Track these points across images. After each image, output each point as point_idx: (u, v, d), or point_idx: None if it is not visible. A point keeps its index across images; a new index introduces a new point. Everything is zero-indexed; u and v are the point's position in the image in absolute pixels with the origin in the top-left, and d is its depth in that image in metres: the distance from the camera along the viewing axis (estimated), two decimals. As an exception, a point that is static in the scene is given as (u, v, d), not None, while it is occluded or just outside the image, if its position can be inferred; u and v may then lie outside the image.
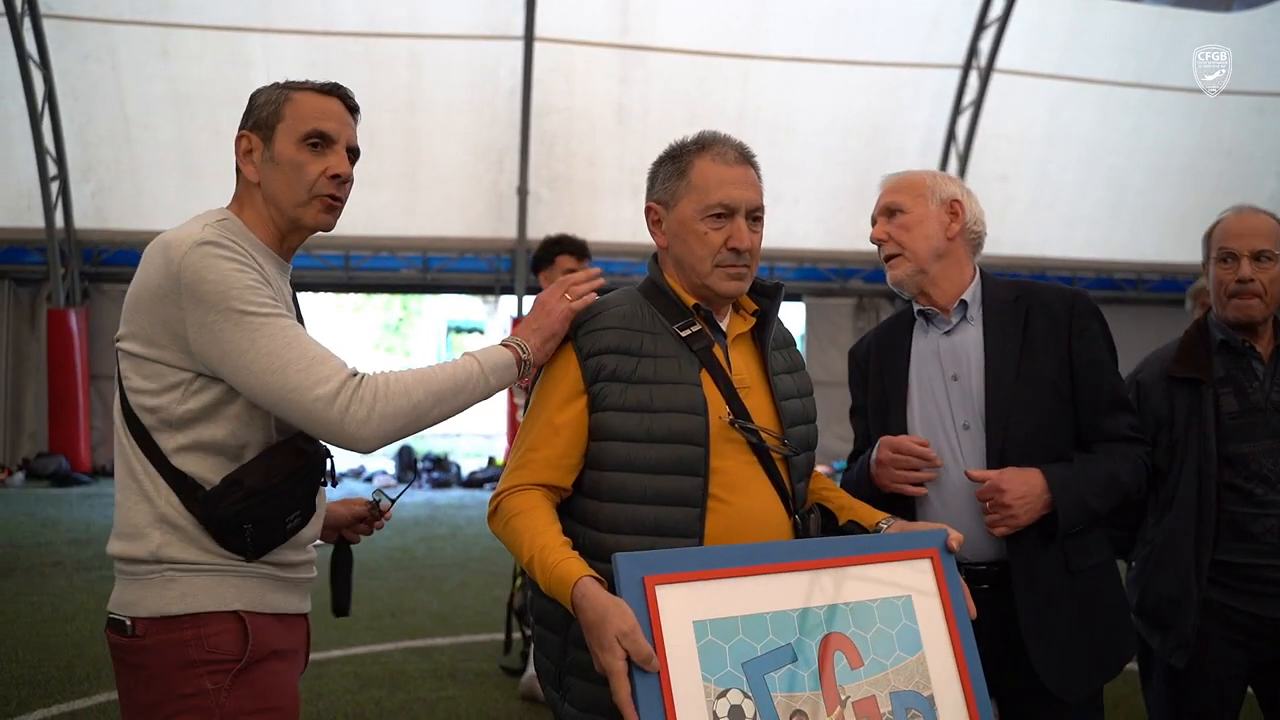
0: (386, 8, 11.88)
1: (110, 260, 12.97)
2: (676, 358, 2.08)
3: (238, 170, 2.10)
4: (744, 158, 2.15)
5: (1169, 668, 2.75)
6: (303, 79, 2.13)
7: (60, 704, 4.79)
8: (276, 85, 2.10)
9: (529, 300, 13.51)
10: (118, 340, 1.99)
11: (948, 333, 2.55)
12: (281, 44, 11.75)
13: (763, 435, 2.09)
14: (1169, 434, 2.74)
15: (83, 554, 8.23)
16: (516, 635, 5.47)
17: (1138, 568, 2.88)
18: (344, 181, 2.08)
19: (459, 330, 32.16)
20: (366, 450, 1.92)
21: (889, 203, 2.60)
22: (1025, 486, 2.31)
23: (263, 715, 1.98)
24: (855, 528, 2.16)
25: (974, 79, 13.11)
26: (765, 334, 2.22)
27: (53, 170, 12.08)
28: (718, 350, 2.13)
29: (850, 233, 13.77)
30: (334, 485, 2.19)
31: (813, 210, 13.43)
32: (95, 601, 6.64)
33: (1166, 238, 14.42)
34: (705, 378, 2.08)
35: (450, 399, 1.96)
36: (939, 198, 2.58)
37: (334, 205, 2.09)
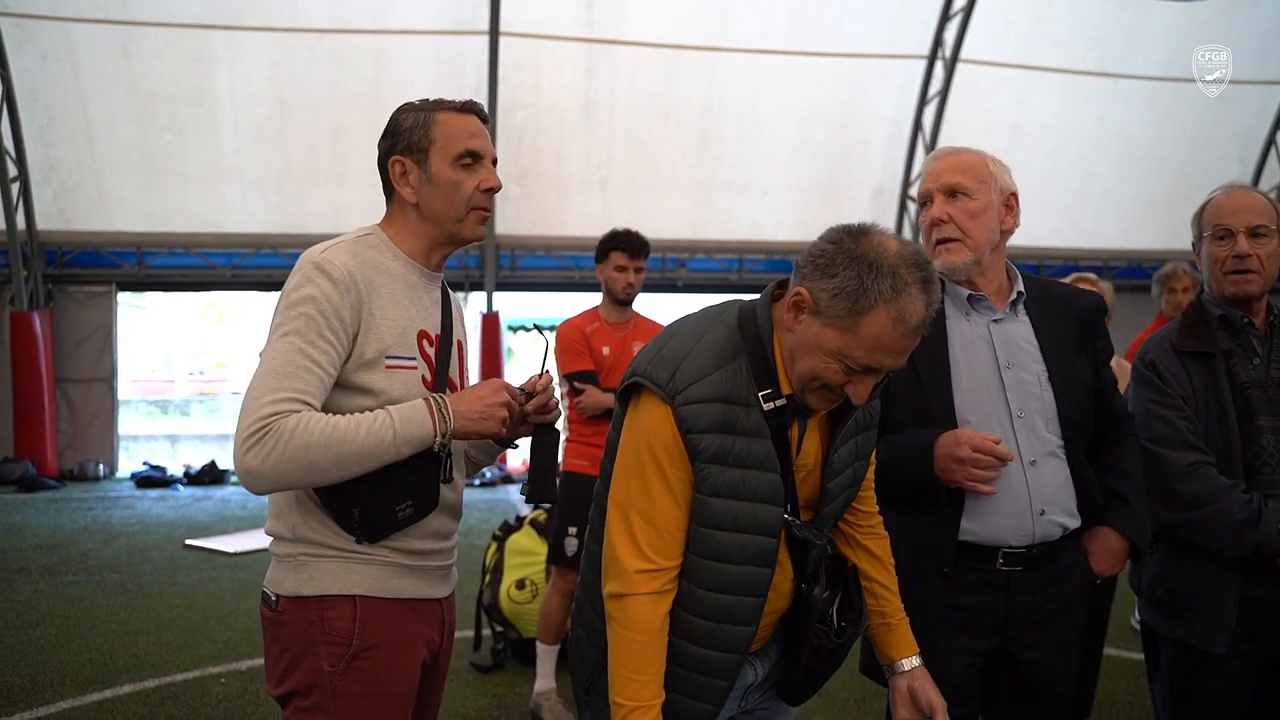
0: (350, 3, 11.79)
1: (74, 262, 12.82)
2: (764, 438, 1.95)
3: (388, 191, 2.27)
4: (924, 325, 1.88)
5: (1186, 657, 2.66)
6: (437, 98, 2.28)
7: (23, 711, 4.72)
8: (416, 108, 2.25)
9: (499, 296, 13.47)
10: None
11: (997, 321, 2.56)
12: (245, 41, 11.65)
13: (805, 534, 2.03)
14: (1192, 409, 2.66)
15: (48, 560, 8.13)
16: (486, 632, 5.46)
17: (1149, 551, 2.75)
18: (493, 193, 2.28)
19: (430, 328, 32.08)
20: (256, 493, 2.01)
21: (953, 183, 2.53)
22: (1119, 559, 2.60)
23: (373, 700, 2.13)
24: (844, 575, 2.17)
25: (939, 69, 13.16)
26: (845, 415, 2.07)
27: (13, 171, 11.92)
28: (794, 431, 2.01)
29: (819, 224, 13.42)
30: (447, 481, 2.20)
31: (781, 202, 13.47)
32: (60, 607, 6.57)
33: (1131, 225, 14.56)
34: (777, 462, 1.99)
35: (352, 465, 2.01)
36: (999, 188, 2.58)
37: (486, 216, 2.29)
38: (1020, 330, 2.56)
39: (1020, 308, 2.59)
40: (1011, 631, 2.49)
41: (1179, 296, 5.57)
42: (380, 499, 2.09)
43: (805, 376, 1.92)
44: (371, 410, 2.08)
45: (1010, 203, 2.60)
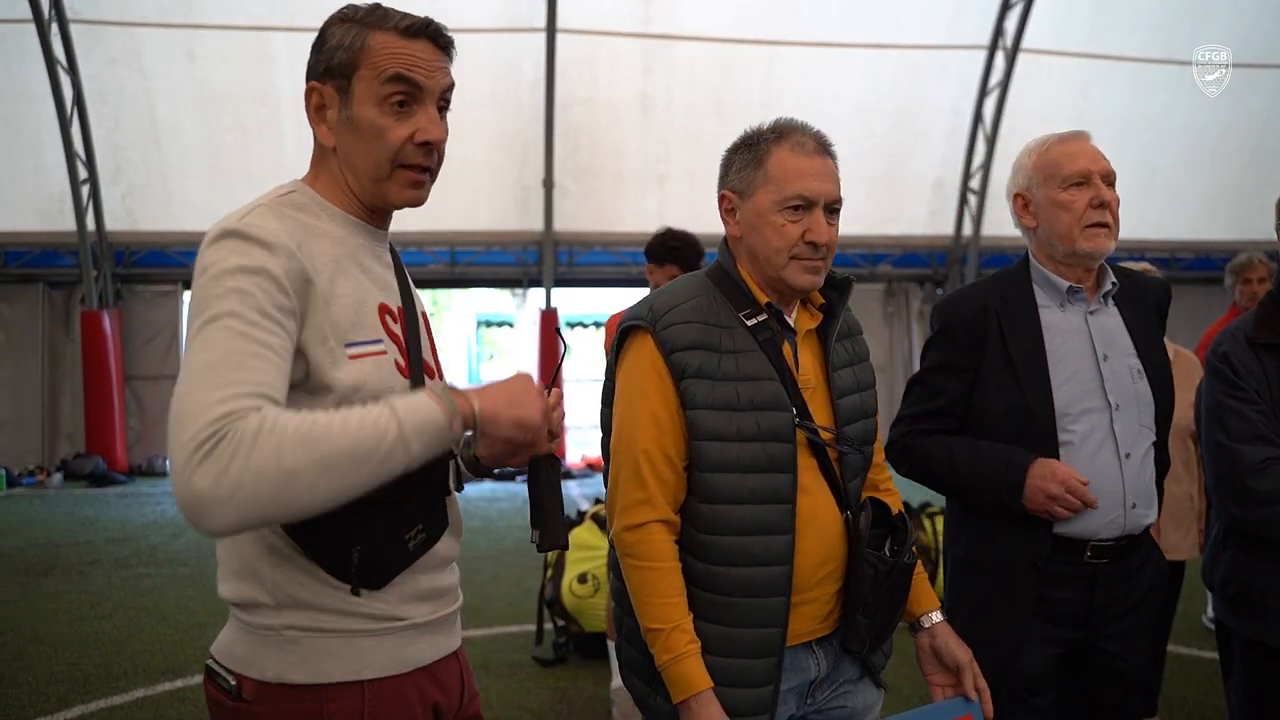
0: (408, 3, 11.83)
1: (141, 261, 13.10)
2: (755, 352, 2.04)
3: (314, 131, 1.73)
4: (822, 148, 2.07)
5: (1261, 656, 2.57)
6: (387, 6, 1.71)
7: (99, 700, 4.84)
8: (351, 20, 1.68)
9: (556, 293, 13.52)
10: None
11: (1093, 313, 2.55)
12: (305, 42, 11.43)
13: (823, 435, 2.06)
14: (1266, 402, 2.56)
15: (120, 552, 8.32)
16: (548, 626, 5.49)
17: (1222, 547, 2.67)
18: (434, 149, 1.68)
19: (488, 324, 32.21)
20: (212, 532, 1.37)
21: (1110, 170, 2.54)
22: None
23: None
24: (900, 520, 2.17)
25: (1000, 59, 12.99)
26: (830, 330, 2.16)
27: (83, 174, 12.20)
28: (786, 349, 2.09)
29: (878, 217, 13.69)
30: (459, 490, 1.82)
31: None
32: (133, 599, 6.73)
33: (1199, 215, 14.27)
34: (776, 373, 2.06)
35: (345, 472, 1.40)
36: None
37: (419, 180, 1.69)
38: (1114, 322, 2.56)
39: (1110, 300, 2.58)
40: (1094, 623, 2.49)
41: (1254, 287, 5.42)
42: (386, 529, 1.59)
43: (775, 250, 2.04)
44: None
45: None
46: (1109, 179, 2.52)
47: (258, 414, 1.37)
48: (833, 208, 2.06)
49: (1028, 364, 2.48)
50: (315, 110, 1.69)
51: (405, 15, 1.68)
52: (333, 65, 1.66)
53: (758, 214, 2.05)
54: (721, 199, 2.14)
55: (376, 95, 1.64)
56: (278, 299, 1.50)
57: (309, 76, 1.71)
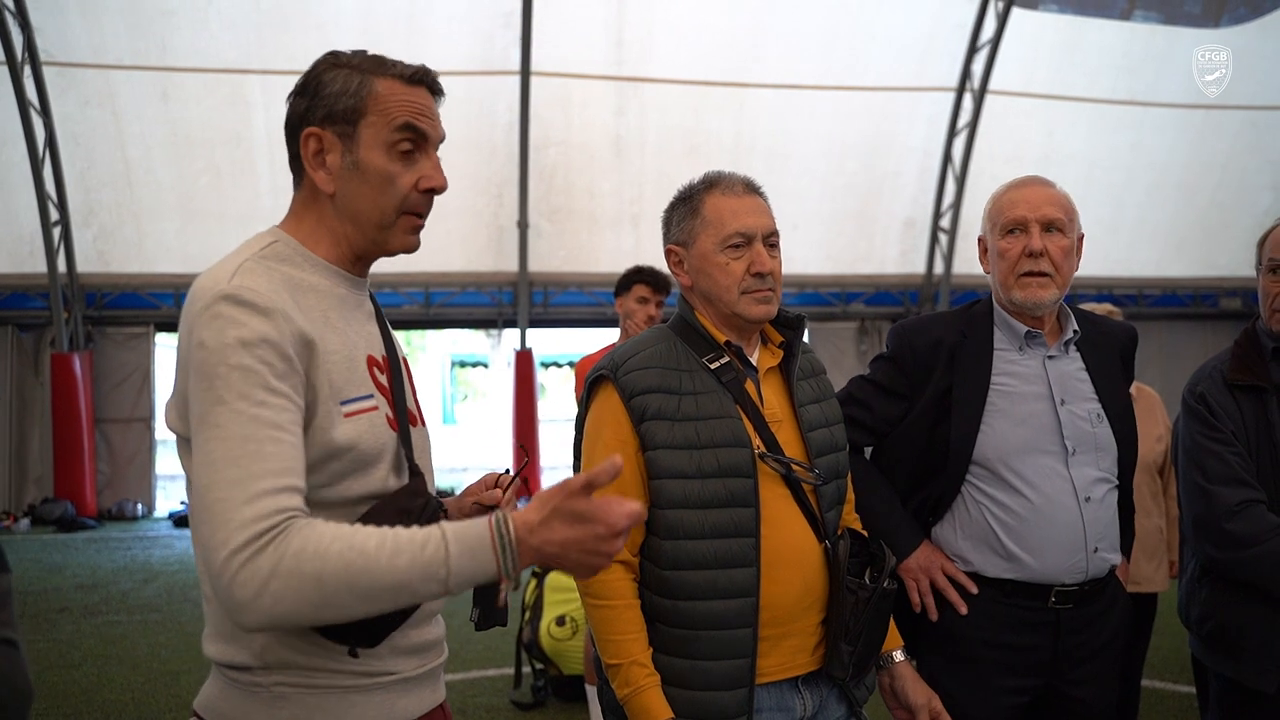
0: (384, 46, 11.85)
1: (113, 304, 13.00)
2: (715, 392, 2.13)
3: (297, 177, 1.72)
4: (751, 188, 2.22)
5: (1236, 694, 2.56)
6: (374, 53, 1.74)
7: (69, 750, 4.77)
8: (350, 67, 1.68)
9: (531, 333, 13.52)
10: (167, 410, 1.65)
11: (1051, 358, 2.54)
12: (280, 85, 11.80)
13: (793, 468, 2.13)
14: (1243, 444, 2.58)
15: (90, 599, 8.21)
16: (526, 670, 5.45)
17: (1198, 585, 2.68)
18: (436, 194, 1.72)
19: (463, 364, 32.17)
20: (249, 630, 1.50)
21: (1052, 217, 2.48)
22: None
23: None
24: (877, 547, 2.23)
25: (968, 101, 13.17)
26: (791, 366, 2.25)
27: (55, 215, 12.13)
28: (750, 385, 2.18)
29: (850, 256, 13.82)
30: None
31: (812, 235, 13.47)
32: (103, 647, 6.63)
33: (1165, 253, 14.47)
34: (738, 411, 2.13)
35: (384, 601, 1.44)
36: (1077, 229, 2.57)
37: (419, 225, 1.72)
38: (1074, 367, 2.55)
39: (1071, 346, 2.57)
40: (1059, 668, 2.48)
41: None
42: None
43: (725, 288, 2.15)
44: (338, 472, 1.58)
45: (1080, 246, 2.58)
46: (1051, 225, 2.48)
47: (299, 529, 1.41)
48: (770, 240, 2.18)
49: (965, 407, 2.49)
50: (314, 155, 1.67)
51: (405, 63, 1.72)
52: (336, 111, 1.65)
53: (703, 258, 2.18)
54: (668, 254, 2.27)
55: (386, 142, 1.65)
56: (280, 369, 1.50)
57: (302, 122, 1.68)
